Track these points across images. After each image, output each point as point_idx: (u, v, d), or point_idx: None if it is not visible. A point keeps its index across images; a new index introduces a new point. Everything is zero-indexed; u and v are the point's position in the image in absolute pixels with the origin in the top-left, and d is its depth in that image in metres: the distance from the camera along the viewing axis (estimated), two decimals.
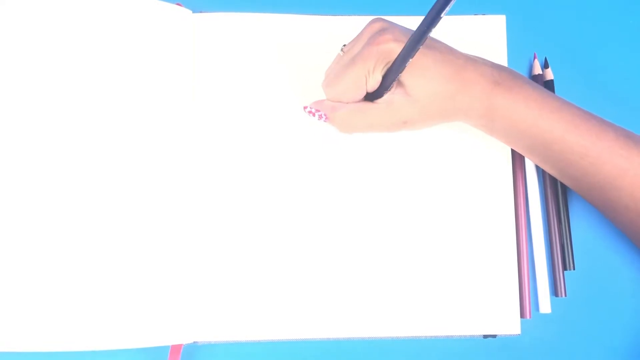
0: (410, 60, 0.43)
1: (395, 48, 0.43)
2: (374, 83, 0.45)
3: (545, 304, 0.50)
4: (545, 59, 0.54)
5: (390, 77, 0.45)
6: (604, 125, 0.46)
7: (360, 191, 0.51)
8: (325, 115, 0.48)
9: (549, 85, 0.53)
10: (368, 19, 0.53)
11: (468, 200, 0.51)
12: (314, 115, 0.48)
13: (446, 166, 0.52)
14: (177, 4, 0.53)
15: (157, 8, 0.51)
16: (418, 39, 0.41)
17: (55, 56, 0.49)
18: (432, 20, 0.39)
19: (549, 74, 0.53)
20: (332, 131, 0.52)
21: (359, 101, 0.47)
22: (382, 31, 0.44)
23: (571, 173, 0.47)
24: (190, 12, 0.53)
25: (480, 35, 0.54)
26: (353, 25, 0.53)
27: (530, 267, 0.51)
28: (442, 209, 0.51)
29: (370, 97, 0.47)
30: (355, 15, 0.54)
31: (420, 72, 0.45)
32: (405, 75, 0.45)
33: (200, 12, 0.53)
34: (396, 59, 0.43)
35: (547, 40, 0.55)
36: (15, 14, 0.49)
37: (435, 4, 0.38)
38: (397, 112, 0.46)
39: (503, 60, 0.53)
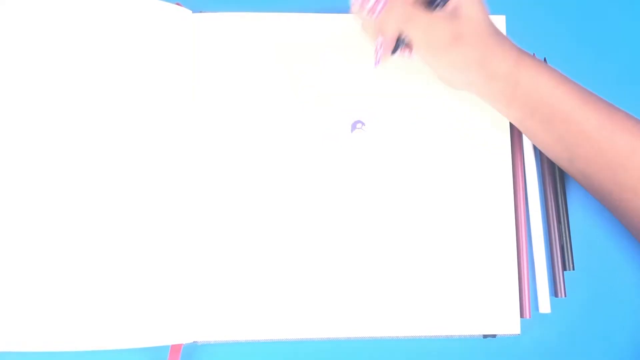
0: None
1: None
2: None
3: (545, 304, 0.51)
4: (545, 59, 0.54)
5: None
6: (615, 108, 0.48)
7: (360, 191, 0.51)
8: (381, 2, 0.46)
9: None
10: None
11: (468, 200, 0.51)
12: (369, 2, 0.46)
13: (446, 166, 0.52)
14: (177, 4, 0.53)
15: (157, 8, 0.51)
16: None
17: (55, 56, 0.49)
18: None
19: None
20: (332, 132, 0.52)
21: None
22: None
23: (585, 151, 0.47)
24: (190, 12, 0.53)
25: None
26: (353, 24, 0.53)
27: (530, 267, 0.51)
28: (442, 209, 0.51)
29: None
30: None
31: (472, 1, 0.46)
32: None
33: (200, 12, 0.53)
34: None
35: (547, 40, 0.55)
36: (15, 14, 0.49)
37: None
38: (453, 22, 0.46)
39: None
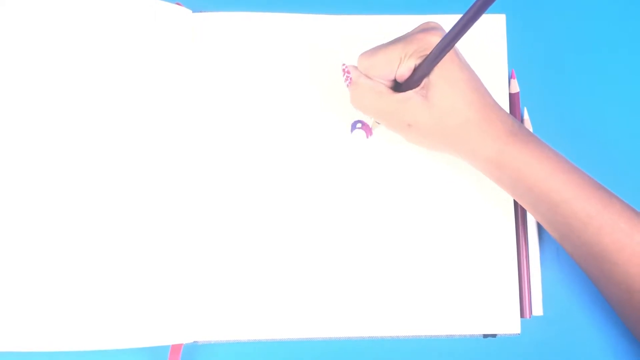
0: (443, 58, 0.43)
1: (435, 42, 0.43)
2: (405, 69, 0.44)
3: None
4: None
5: (422, 70, 0.44)
6: (613, 198, 0.45)
7: (360, 191, 0.51)
8: (350, 79, 0.47)
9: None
10: (369, 18, 0.54)
11: (468, 200, 0.51)
12: (343, 74, 0.47)
13: (446, 166, 0.52)
14: (177, 4, 0.53)
15: (157, 8, 0.51)
16: (454, 35, 0.41)
17: (54, 56, 0.49)
18: (473, 15, 0.38)
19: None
20: (332, 132, 0.52)
21: (384, 83, 0.46)
22: (435, 28, 0.44)
23: (572, 239, 0.45)
24: (190, 11, 0.53)
25: (480, 35, 0.53)
26: (354, 24, 0.54)
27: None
28: (443, 208, 0.51)
29: (397, 89, 0.46)
30: (356, 14, 0.54)
31: (450, 82, 0.44)
32: (435, 78, 0.44)
33: (200, 11, 0.53)
34: (431, 52, 0.43)
35: (547, 40, 0.55)
36: (15, 13, 0.49)
37: (475, 2, 0.38)
38: (408, 110, 0.45)
39: (503, 60, 0.53)
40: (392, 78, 0.46)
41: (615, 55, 0.55)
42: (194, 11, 0.53)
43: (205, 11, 0.53)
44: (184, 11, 0.53)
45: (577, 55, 0.55)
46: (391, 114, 0.46)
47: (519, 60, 0.54)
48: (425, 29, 0.44)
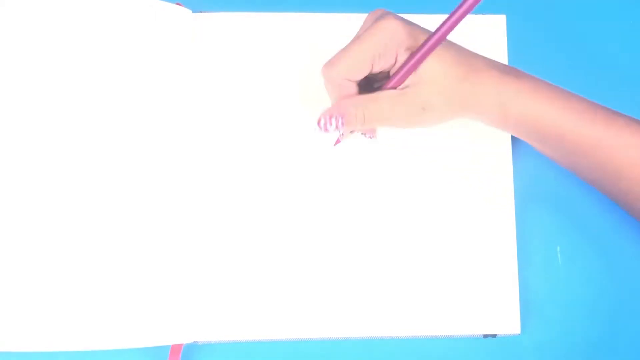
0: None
1: (399, 26, 0.44)
2: (386, 64, 0.45)
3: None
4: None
5: (407, 66, 0.44)
6: (614, 115, 0.45)
7: (360, 191, 0.51)
8: (339, 118, 0.46)
9: None
10: None
11: (469, 199, 0.51)
12: (330, 124, 0.46)
13: (446, 165, 0.52)
14: (177, 4, 0.53)
15: (157, 8, 0.51)
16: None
17: (54, 56, 0.49)
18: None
19: None
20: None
21: (371, 92, 0.46)
22: (384, 13, 0.45)
23: (584, 164, 0.46)
24: (190, 11, 0.53)
25: (480, 35, 0.53)
26: (355, 23, 0.53)
27: None
28: (443, 208, 0.51)
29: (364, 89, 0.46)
30: (356, 13, 0.54)
31: (432, 56, 0.44)
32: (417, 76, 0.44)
33: (200, 12, 0.53)
34: (419, 49, 0.44)
35: (547, 40, 0.55)
36: (15, 13, 0.49)
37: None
38: (415, 97, 0.45)
39: (503, 61, 0.53)
40: (366, 73, 0.46)
41: (616, 54, 0.55)
42: (194, 11, 0.53)
43: (205, 11, 0.53)
44: (184, 11, 0.53)
45: (577, 56, 0.55)
46: (400, 110, 0.45)
47: (518, 60, 0.54)
48: (378, 16, 0.45)
